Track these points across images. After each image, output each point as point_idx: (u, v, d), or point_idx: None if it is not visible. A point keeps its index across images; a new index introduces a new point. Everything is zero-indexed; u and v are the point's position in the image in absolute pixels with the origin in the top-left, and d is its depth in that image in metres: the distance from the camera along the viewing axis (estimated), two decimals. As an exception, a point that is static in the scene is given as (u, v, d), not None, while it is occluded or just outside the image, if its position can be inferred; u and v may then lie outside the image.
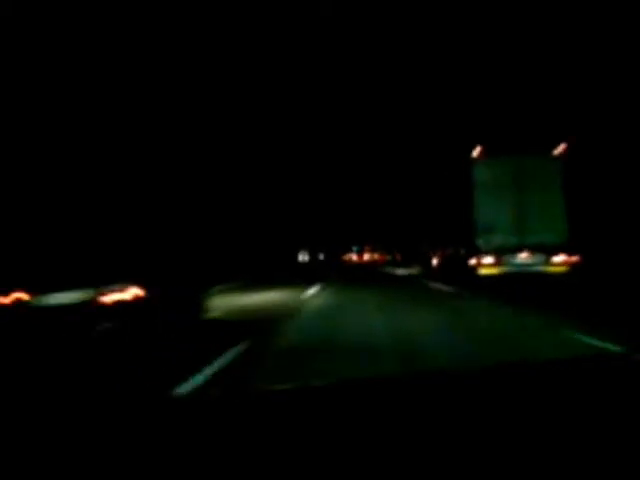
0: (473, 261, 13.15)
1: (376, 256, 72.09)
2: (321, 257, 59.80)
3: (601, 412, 1.05)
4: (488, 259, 12.89)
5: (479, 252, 13.01)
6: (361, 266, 53.68)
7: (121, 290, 5.23)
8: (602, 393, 1.18)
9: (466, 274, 13.59)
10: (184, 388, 3.95)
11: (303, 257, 54.84)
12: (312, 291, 14.02)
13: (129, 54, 15.07)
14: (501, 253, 12.89)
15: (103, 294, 5.06)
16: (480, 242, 13.07)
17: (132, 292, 5.32)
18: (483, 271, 12.92)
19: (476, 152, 13.28)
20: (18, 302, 4.86)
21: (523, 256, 12.88)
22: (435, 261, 20.20)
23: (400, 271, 30.03)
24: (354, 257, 73.39)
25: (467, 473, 0.82)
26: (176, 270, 7.19)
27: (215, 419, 1.11)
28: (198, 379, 4.28)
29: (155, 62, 16.85)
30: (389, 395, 1.24)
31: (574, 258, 12.79)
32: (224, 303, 10.65)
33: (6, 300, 4.82)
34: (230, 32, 24.28)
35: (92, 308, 4.98)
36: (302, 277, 22.07)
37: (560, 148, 13.26)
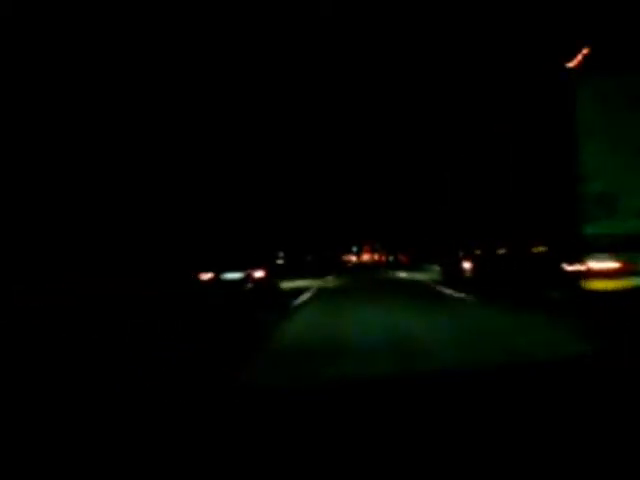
0: (576, 266, 6.93)
1: (376, 257, 72.94)
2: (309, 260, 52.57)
3: (596, 410, 1.17)
4: (607, 263, 6.69)
5: (588, 248, 6.81)
6: (362, 267, 48.73)
7: (257, 271, 13.91)
8: (596, 392, 1.30)
9: (557, 288, 7.40)
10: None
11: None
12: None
13: (129, 54, 15.82)
14: (629, 250, 6.72)
15: (250, 272, 13.76)
16: (590, 229, 6.86)
17: (261, 272, 14.00)
18: (597, 284, 6.72)
19: (577, 60, 7.08)
20: (212, 277, 13.43)
21: (672, 256, 6.70)
22: (467, 265, 13.91)
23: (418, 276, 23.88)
24: (353, 258, 76.93)
25: (466, 470, 0.91)
26: (272, 265, 17.02)
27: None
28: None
29: (155, 61, 17.57)
30: (390, 395, 1.45)
31: None
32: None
33: (207, 276, 13.43)
34: (230, 32, 25.13)
35: (246, 278, 13.65)
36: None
37: None
